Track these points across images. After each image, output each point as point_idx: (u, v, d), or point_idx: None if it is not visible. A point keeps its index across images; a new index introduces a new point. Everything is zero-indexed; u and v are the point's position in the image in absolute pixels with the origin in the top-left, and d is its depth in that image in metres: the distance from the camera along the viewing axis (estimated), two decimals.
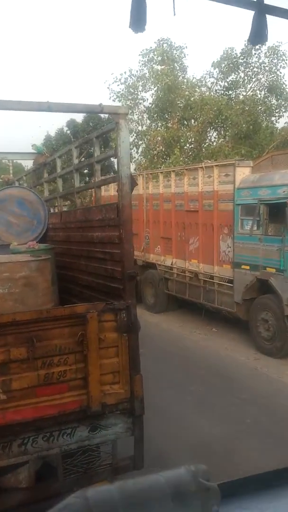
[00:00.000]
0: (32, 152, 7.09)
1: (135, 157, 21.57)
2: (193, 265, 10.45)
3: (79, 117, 25.00)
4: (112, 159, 25.41)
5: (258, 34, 2.46)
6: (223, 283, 9.53)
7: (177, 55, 20.87)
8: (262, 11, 2.40)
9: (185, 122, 20.83)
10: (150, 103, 21.20)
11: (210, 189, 9.69)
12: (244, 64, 20.51)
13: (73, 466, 3.68)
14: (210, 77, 21.39)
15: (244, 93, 20.88)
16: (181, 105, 20.31)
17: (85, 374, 3.58)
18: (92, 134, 4.86)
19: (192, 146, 20.29)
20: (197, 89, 20.64)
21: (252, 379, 7.52)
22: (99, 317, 3.61)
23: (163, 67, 20.20)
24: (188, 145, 20.44)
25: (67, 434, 3.58)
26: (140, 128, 21.50)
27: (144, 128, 21.41)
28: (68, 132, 25.03)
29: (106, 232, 4.22)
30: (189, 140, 20.34)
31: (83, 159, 17.76)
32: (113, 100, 21.05)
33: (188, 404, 6.47)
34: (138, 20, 2.18)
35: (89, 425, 3.66)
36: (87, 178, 22.29)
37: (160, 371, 7.42)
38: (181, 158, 18.43)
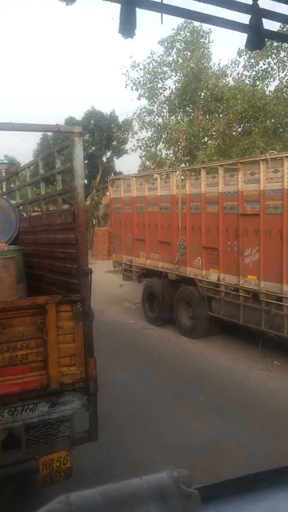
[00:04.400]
0: (5, 162, 7.64)
1: (155, 152, 19.67)
2: (251, 282, 8.29)
3: (79, 115, 24.40)
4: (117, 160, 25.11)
5: (256, 40, 2.36)
6: None
7: (202, 41, 18.53)
8: (257, 15, 2.30)
9: (207, 116, 18.77)
10: (170, 93, 19.20)
11: (278, 186, 7.64)
12: (278, 48, 17.65)
13: (35, 437, 4.18)
14: (235, 66, 18.99)
15: (273, 83, 18.61)
16: (204, 95, 18.30)
17: (45, 357, 4.11)
18: (54, 149, 5.44)
19: (218, 142, 18.25)
20: (222, 79, 18.48)
21: None
22: (57, 307, 4.16)
23: (186, 52, 18.32)
24: (212, 140, 18.52)
25: (30, 409, 4.11)
26: (160, 120, 19.48)
27: (164, 121, 19.39)
28: None
29: (65, 235, 4.80)
30: (214, 135, 18.45)
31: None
32: (131, 88, 19.10)
33: None
34: (127, 25, 2.16)
35: (49, 402, 4.19)
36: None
37: (240, 437, 5.63)
38: (208, 153, 16.47)
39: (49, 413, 4.20)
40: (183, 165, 17.14)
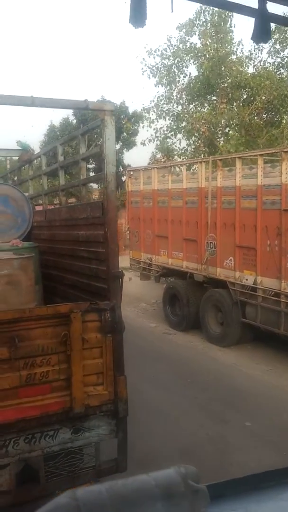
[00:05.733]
0: (17, 149, 6.99)
1: (173, 144, 18.68)
2: None
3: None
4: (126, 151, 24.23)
5: (262, 33, 2.33)
6: None
7: (224, 25, 17.40)
8: (264, 19, 2.28)
9: (230, 105, 17.68)
10: (189, 80, 18.15)
11: None
12: None
13: (55, 468, 3.61)
14: (259, 52, 17.67)
15: None
16: (226, 84, 17.19)
17: (68, 375, 3.52)
18: (78, 131, 4.80)
19: (241, 132, 17.20)
20: (245, 66, 17.41)
21: None
22: (83, 317, 3.55)
23: (207, 38, 17.30)
24: (235, 131, 17.44)
25: (49, 436, 3.52)
26: (179, 108, 18.43)
27: (183, 109, 18.35)
28: (75, 121, 23.75)
29: (91, 231, 4.17)
30: (237, 125, 17.37)
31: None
32: (148, 76, 18.23)
33: None
34: (138, 15, 2.12)
35: (71, 427, 3.60)
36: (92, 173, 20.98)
37: None
38: (233, 143, 15.61)
39: (71, 440, 3.61)
40: (201, 156, 16.32)
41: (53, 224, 5.47)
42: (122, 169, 24.72)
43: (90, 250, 4.20)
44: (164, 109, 18.43)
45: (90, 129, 4.50)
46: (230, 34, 17.70)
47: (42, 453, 3.50)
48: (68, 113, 23.94)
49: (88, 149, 4.63)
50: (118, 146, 24.77)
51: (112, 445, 3.81)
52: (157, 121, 18.49)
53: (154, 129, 18.65)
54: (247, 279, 8.35)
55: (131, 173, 12.35)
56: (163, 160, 19.30)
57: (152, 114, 18.51)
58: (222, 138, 17.19)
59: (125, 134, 23.76)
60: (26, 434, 3.43)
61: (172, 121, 18.33)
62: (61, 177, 5.33)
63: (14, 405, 3.37)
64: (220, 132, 17.61)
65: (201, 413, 6.17)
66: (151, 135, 18.93)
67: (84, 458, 3.74)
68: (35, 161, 6.69)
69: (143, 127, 19.74)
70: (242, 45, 18.13)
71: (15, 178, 7.45)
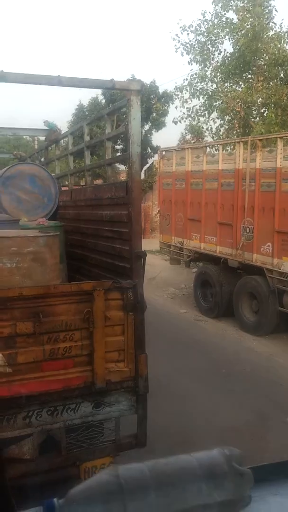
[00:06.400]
0: (44, 129, 7.04)
1: (205, 125, 17.95)
2: None
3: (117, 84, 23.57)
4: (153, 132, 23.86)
5: None
6: None
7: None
8: None
9: (267, 83, 16.65)
10: (224, 57, 17.32)
11: None
12: None
13: (76, 441, 3.73)
14: None
15: None
16: (263, 61, 16.33)
17: (90, 351, 3.60)
18: (104, 111, 4.81)
19: (277, 112, 16.23)
20: (283, 43, 16.35)
21: None
22: (105, 295, 3.61)
23: (244, 13, 16.44)
24: (270, 110, 16.44)
25: (71, 409, 3.62)
26: (214, 86, 17.62)
27: (218, 87, 17.50)
28: (103, 101, 23.38)
29: (115, 211, 4.21)
30: (273, 105, 16.41)
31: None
32: (181, 54, 17.43)
33: None
34: None
35: (93, 402, 3.69)
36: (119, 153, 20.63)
37: None
38: (267, 123, 14.96)
39: (92, 414, 3.70)
40: (235, 137, 15.60)
41: (78, 204, 5.54)
42: (150, 151, 24.44)
43: (114, 230, 4.26)
44: (198, 88, 17.58)
45: (116, 109, 4.51)
46: (268, 8, 16.56)
47: (64, 425, 3.61)
48: (97, 93, 23.71)
49: (117, 129, 4.65)
50: (147, 127, 24.46)
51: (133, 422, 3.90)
52: (191, 100, 17.71)
53: (187, 108, 17.86)
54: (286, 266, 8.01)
55: (163, 153, 11.86)
56: (192, 141, 18.92)
57: (185, 93, 17.69)
58: (258, 118, 16.43)
59: (154, 114, 23.38)
60: (49, 407, 3.53)
61: (205, 100, 17.52)
62: (87, 157, 5.37)
63: (38, 378, 3.47)
64: (255, 111, 16.84)
65: (237, 406, 5.93)
66: (183, 113, 18.13)
67: (105, 432, 3.84)
68: (62, 141, 6.73)
69: (175, 107, 18.97)
70: (276, 10, 16.70)
71: (42, 159, 7.52)
